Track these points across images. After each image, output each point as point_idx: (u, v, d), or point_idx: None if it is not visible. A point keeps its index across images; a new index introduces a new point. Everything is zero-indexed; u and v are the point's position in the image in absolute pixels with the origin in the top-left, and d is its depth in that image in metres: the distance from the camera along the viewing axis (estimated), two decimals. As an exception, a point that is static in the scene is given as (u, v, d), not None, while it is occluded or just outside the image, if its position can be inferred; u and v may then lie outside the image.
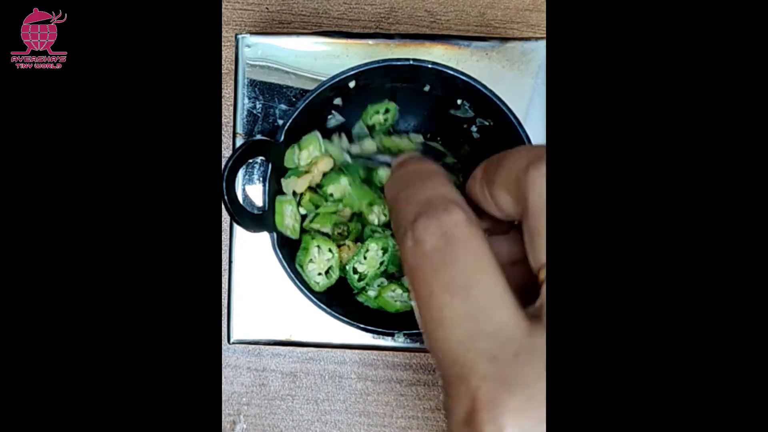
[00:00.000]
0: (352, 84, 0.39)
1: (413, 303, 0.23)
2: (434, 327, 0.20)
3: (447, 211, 0.22)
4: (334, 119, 0.42)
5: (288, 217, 0.39)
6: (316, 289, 0.39)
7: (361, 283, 0.39)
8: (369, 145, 0.41)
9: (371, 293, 0.39)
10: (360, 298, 0.40)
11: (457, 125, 0.42)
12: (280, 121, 0.43)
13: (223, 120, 0.47)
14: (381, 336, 0.40)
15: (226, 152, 0.47)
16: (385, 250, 0.38)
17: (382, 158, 0.40)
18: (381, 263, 0.39)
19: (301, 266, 0.39)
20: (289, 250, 0.40)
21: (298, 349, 0.49)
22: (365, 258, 0.38)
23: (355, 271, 0.39)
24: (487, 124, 0.41)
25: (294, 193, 0.39)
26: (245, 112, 0.44)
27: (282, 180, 0.39)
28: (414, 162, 0.27)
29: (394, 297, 0.39)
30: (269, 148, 0.38)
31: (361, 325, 0.39)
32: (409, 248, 0.22)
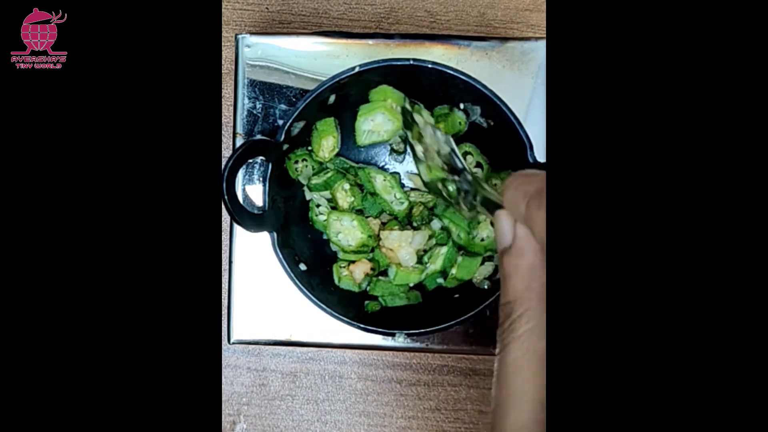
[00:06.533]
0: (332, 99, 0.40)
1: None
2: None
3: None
4: None
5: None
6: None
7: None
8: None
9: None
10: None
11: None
12: (280, 121, 0.43)
13: (223, 120, 0.47)
14: (381, 336, 0.40)
15: (226, 152, 0.47)
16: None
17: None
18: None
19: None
20: (290, 250, 0.40)
21: (298, 349, 0.49)
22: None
23: None
24: (485, 125, 0.41)
25: None
26: (245, 112, 0.44)
27: None
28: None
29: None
30: (269, 148, 0.38)
31: (362, 325, 0.39)
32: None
